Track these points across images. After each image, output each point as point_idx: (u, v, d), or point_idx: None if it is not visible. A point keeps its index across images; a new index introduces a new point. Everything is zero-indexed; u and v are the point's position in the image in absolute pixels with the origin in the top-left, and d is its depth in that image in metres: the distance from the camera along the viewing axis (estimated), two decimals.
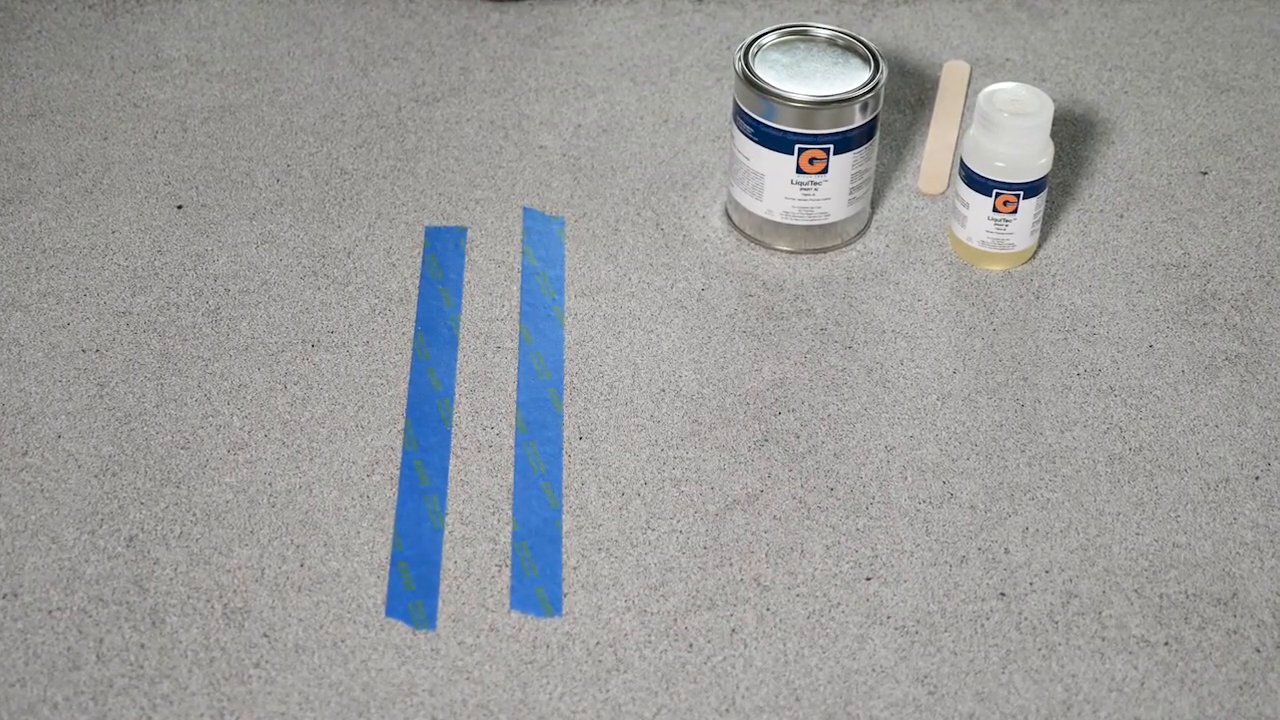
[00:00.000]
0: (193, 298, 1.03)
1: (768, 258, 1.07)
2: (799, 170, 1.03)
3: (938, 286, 1.05)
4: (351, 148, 1.14)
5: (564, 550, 0.89)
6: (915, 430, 0.96)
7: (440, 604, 0.86)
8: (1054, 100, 1.18)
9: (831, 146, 1.02)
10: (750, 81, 1.02)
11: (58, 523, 0.90)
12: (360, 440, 0.94)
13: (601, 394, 0.97)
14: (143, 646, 0.84)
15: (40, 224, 1.07)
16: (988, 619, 0.86)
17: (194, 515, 0.90)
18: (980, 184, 1.03)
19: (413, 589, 0.87)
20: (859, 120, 1.02)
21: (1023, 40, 1.25)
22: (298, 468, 0.93)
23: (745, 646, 0.85)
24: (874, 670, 0.84)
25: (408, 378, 0.98)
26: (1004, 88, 1.03)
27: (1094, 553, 0.90)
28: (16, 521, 0.90)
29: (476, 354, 1.00)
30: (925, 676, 0.84)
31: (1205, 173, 1.14)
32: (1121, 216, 1.10)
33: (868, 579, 0.88)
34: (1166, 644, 0.85)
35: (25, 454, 0.93)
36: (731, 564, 0.89)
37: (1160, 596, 0.88)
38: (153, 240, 1.06)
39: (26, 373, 0.98)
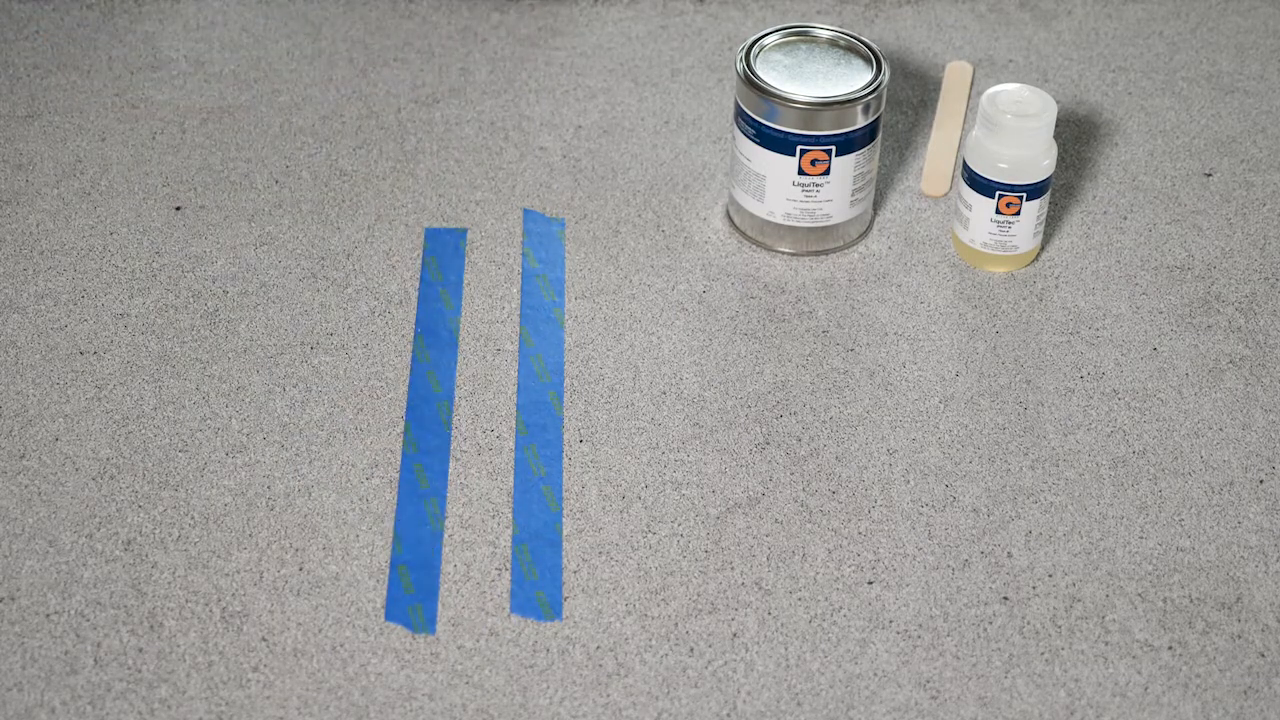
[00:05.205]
0: (191, 299, 1.02)
1: (769, 260, 1.06)
2: (801, 172, 1.02)
3: (940, 289, 1.04)
4: (351, 149, 1.13)
5: (564, 554, 0.89)
6: (917, 433, 0.95)
7: (440, 608, 0.86)
8: (1057, 101, 1.18)
9: (833, 148, 1.02)
10: (752, 83, 1.01)
11: (55, 526, 0.89)
12: (359, 443, 0.94)
13: (602, 397, 0.97)
14: (141, 650, 0.84)
15: (38, 225, 1.07)
16: (990, 623, 0.86)
17: (192, 518, 0.90)
18: (983, 186, 1.02)
19: (412, 593, 0.86)
20: (861, 121, 1.02)
21: (1026, 41, 1.25)
22: (296, 471, 0.92)
23: (746, 651, 0.84)
24: (876, 675, 0.84)
25: (407, 380, 0.98)
26: (1007, 89, 1.03)
27: (1097, 557, 0.89)
28: (14, 525, 0.89)
29: (476, 356, 0.99)
30: (927, 681, 0.83)
31: (1209, 174, 1.13)
32: (1125, 218, 1.10)
33: (870, 583, 0.88)
34: (1170, 648, 0.85)
35: (23, 457, 0.93)
36: (733, 568, 0.88)
37: (1164, 601, 0.87)
38: (151, 242, 1.06)
39: (24, 375, 0.97)
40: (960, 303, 1.04)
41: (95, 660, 0.83)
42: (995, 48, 1.24)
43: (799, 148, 1.02)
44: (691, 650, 0.84)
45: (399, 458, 0.93)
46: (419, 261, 1.05)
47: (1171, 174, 1.13)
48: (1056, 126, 1.15)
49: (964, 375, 0.99)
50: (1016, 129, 1.01)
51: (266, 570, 0.87)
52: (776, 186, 1.04)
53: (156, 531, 0.89)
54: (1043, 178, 1.02)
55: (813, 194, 1.04)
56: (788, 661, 0.84)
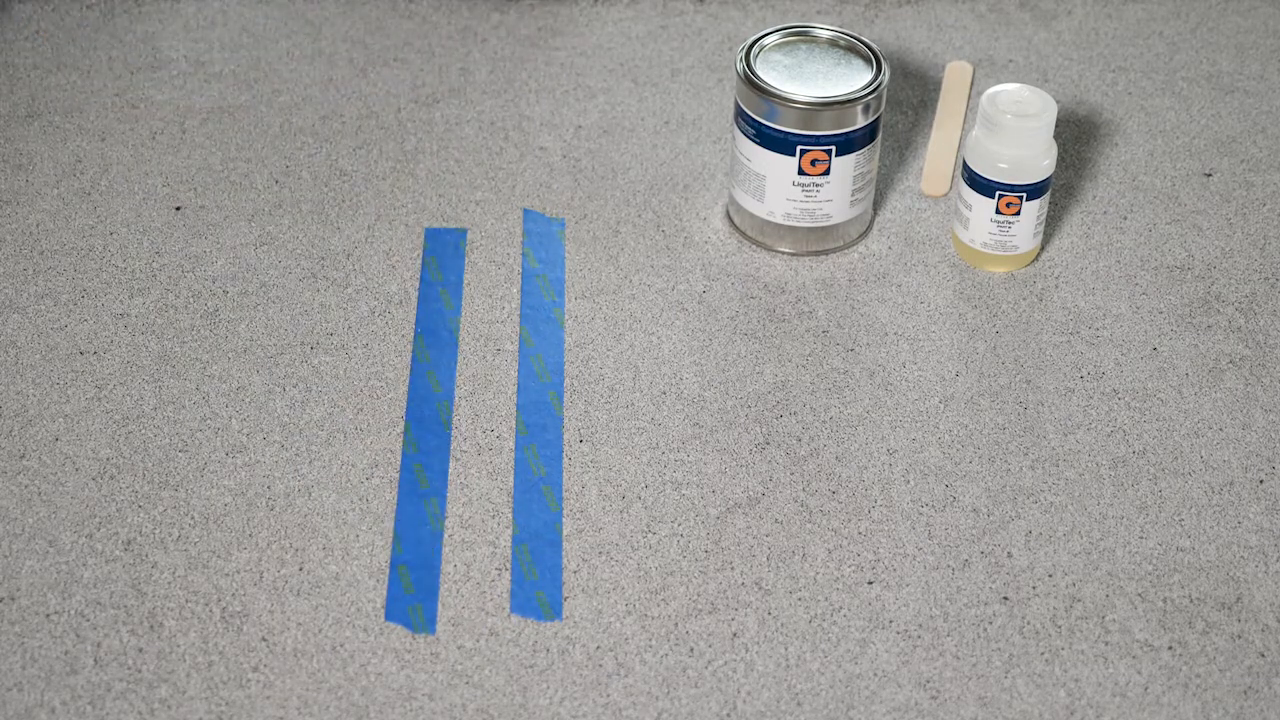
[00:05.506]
0: (191, 299, 1.02)
1: (769, 260, 1.06)
2: (801, 172, 1.02)
3: (940, 289, 1.04)
4: (351, 149, 1.13)
5: (564, 554, 0.89)
6: (917, 433, 0.95)
7: (440, 608, 0.86)
8: (1057, 101, 1.18)
9: (833, 148, 1.02)
10: (752, 83, 1.01)
11: (55, 526, 0.89)
12: (359, 443, 0.94)
13: (602, 397, 0.97)
14: (141, 650, 0.84)
15: (38, 225, 1.07)
16: (990, 623, 0.86)
17: (192, 518, 0.90)
18: (983, 186, 1.02)
19: (412, 593, 0.86)
20: (861, 121, 1.02)
21: (1026, 41, 1.25)
22: (296, 471, 0.92)
23: (746, 651, 0.84)
24: (876, 675, 0.84)
25: (407, 380, 0.98)
26: (1007, 89, 1.03)
27: (1097, 556, 0.89)
28: (14, 525, 0.89)
29: (476, 356, 0.99)
30: (927, 681, 0.83)
31: (1209, 174, 1.13)
32: (1125, 218, 1.10)
33: (870, 583, 0.88)
34: (1170, 648, 0.85)
35: (23, 457, 0.93)
36: (733, 568, 0.88)
37: (1164, 601, 0.87)
38: (151, 242, 1.06)
39: (24, 375, 0.97)
40: (960, 303, 1.04)
41: (95, 660, 0.83)
42: (995, 48, 1.24)
43: (799, 148, 1.02)
44: (691, 650, 0.84)
45: (399, 458, 0.93)
46: (419, 261, 1.05)
47: (1171, 174, 1.13)
48: (1056, 126, 1.15)
49: (964, 375, 0.99)
50: (1016, 129, 1.01)
51: (266, 570, 0.87)
52: (776, 186, 1.04)
53: (156, 531, 0.89)
54: (1043, 178, 1.02)
55: (813, 194, 1.04)
56: (788, 661, 0.84)
